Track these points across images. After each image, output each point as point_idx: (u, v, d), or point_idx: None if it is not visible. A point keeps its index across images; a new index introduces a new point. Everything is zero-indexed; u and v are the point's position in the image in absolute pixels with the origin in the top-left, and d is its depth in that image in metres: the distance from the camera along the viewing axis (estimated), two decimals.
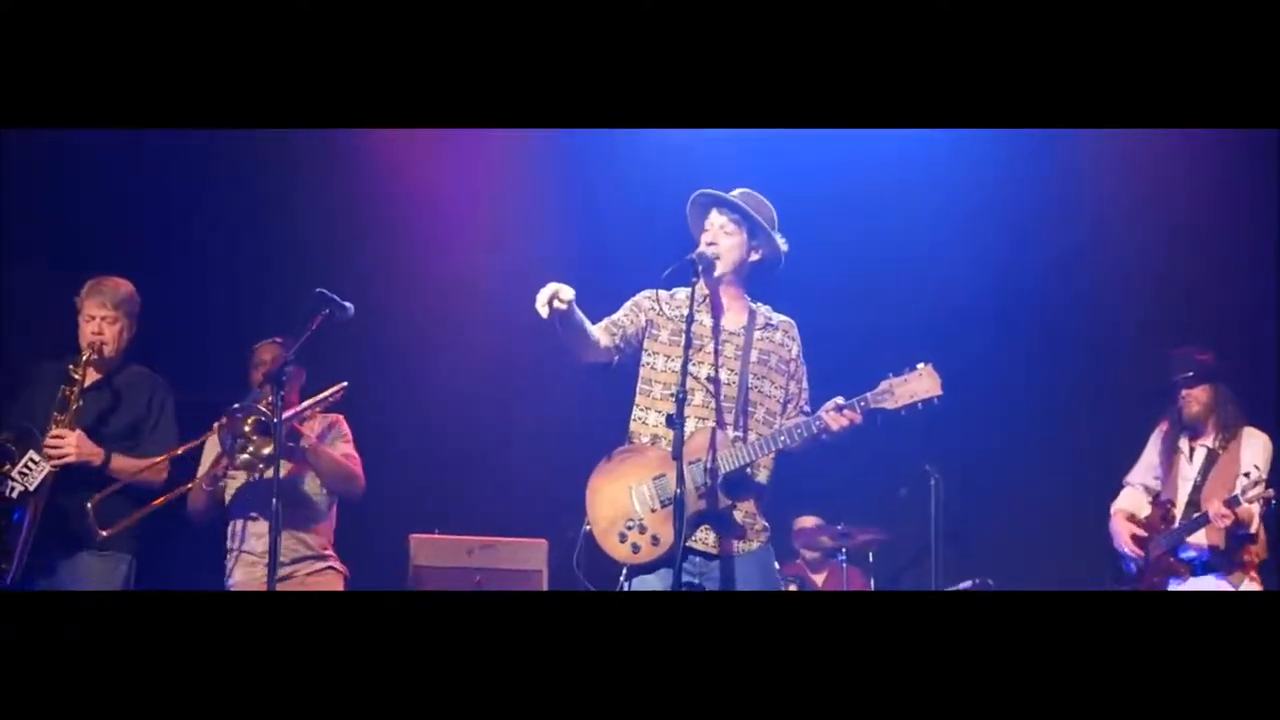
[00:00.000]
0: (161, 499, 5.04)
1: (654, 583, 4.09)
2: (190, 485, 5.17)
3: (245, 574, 5.21)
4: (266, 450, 4.86)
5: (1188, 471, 5.70)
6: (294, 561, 5.19)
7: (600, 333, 4.22)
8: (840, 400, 4.09)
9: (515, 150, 7.12)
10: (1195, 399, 5.69)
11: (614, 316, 4.33)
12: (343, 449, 5.37)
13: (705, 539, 4.11)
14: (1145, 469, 5.92)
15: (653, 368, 4.28)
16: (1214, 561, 5.53)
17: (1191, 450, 5.74)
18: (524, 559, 6.46)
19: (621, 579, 4.18)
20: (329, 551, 5.34)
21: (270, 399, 4.78)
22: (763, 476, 4.25)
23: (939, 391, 4.08)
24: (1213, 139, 6.23)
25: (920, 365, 4.10)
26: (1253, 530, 5.45)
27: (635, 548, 4.11)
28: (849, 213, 7.24)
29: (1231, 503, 5.37)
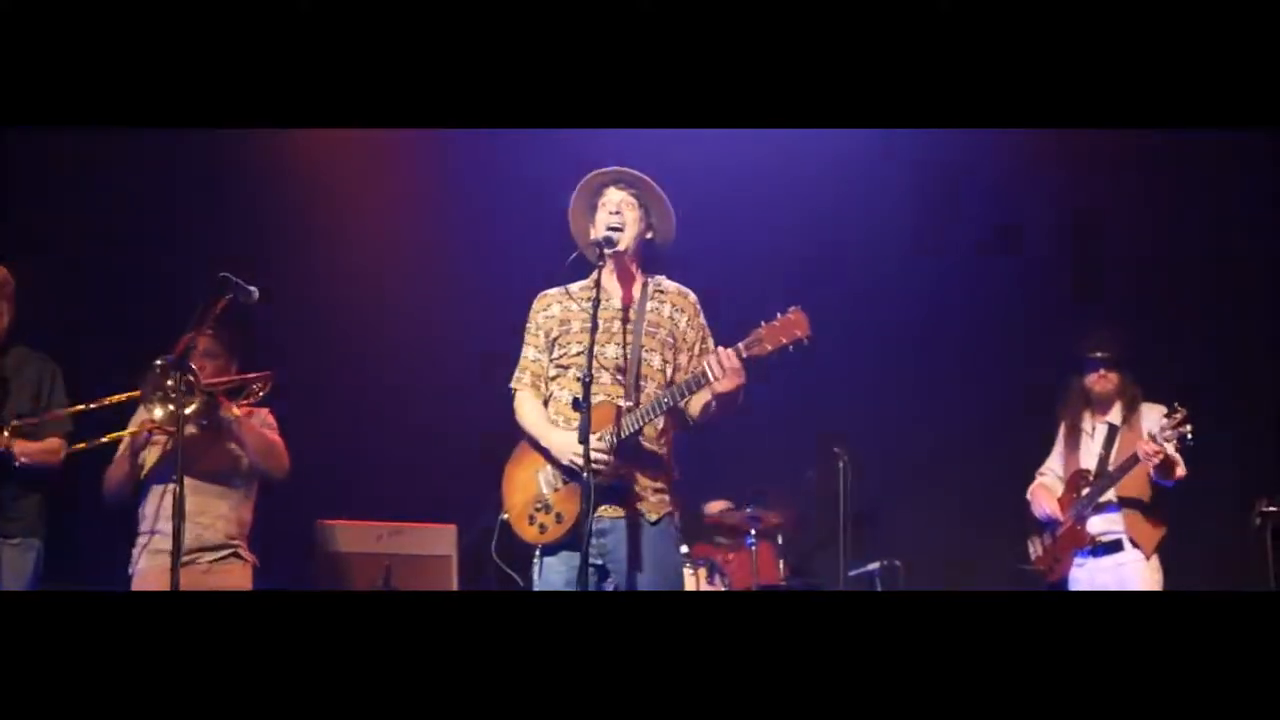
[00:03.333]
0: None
1: (556, 564, 4.16)
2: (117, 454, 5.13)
3: (149, 561, 5.11)
4: (189, 409, 4.76)
5: (1092, 446, 5.97)
6: (200, 549, 5.10)
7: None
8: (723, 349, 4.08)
9: (428, 149, 7.11)
10: (1108, 379, 5.97)
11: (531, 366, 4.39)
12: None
13: (607, 510, 4.14)
14: (1057, 457, 6.15)
15: (567, 353, 4.31)
16: (1118, 541, 5.78)
17: (1094, 427, 6.02)
18: (433, 544, 6.44)
19: (534, 559, 4.24)
20: (236, 540, 5.23)
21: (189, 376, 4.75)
22: (658, 446, 4.27)
23: (808, 332, 4.01)
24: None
25: (791, 309, 4.07)
26: (1178, 473, 5.69)
27: (543, 528, 4.21)
28: (757, 203, 7.31)
29: (1155, 439, 5.62)
